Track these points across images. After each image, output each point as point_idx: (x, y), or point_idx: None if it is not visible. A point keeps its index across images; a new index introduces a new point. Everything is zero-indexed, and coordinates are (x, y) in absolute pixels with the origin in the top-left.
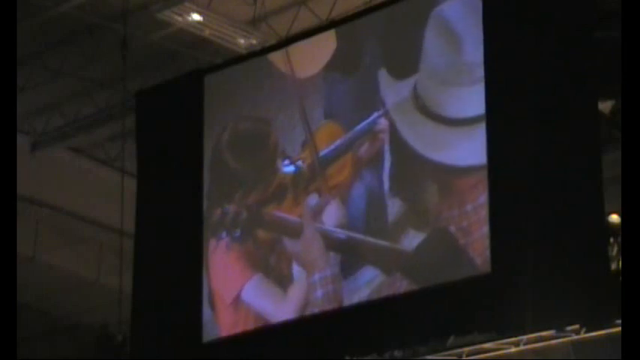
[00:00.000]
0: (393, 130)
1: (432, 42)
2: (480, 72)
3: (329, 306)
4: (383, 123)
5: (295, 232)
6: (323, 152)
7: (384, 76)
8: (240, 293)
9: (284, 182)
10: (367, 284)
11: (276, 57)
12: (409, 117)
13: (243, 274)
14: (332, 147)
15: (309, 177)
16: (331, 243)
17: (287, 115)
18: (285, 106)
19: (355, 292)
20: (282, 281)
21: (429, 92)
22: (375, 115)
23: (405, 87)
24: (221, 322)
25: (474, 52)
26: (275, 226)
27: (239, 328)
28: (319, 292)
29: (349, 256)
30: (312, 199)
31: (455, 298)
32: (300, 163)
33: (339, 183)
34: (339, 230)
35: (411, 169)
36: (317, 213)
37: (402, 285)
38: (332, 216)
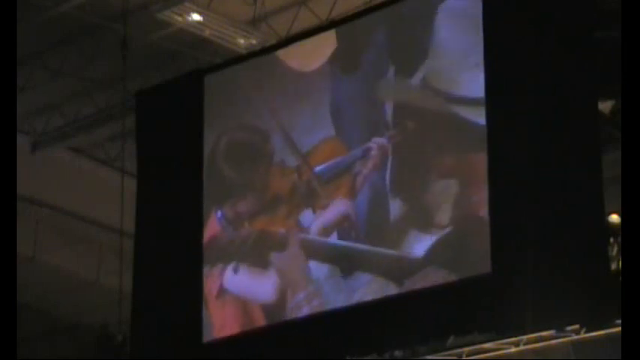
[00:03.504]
0: (398, 138)
1: (441, 32)
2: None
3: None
4: (385, 139)
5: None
6: (320, 168)
7: (391, 76)
8: (222, 283)
9: (279, 194)
10: (367, 285)
11: (278, 58)
12: (420, 106)
13: (222, 263)
14: (330, 164)
15: (304, 193)
16: (329, 251)
17: (286, 120)
18: (286, 109)
19: (355, 292)
20: (262, 265)
21: (441, 79)
22: (377, 138)
23: (413, 81)
24: (213, 319)
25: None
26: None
27: (228, 322)
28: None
29: (348, 262)
30: (306, 216)
31: (455, 298)
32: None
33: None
34: (333, 240)
35: (416, 170)
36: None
37: (402, 287)
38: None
